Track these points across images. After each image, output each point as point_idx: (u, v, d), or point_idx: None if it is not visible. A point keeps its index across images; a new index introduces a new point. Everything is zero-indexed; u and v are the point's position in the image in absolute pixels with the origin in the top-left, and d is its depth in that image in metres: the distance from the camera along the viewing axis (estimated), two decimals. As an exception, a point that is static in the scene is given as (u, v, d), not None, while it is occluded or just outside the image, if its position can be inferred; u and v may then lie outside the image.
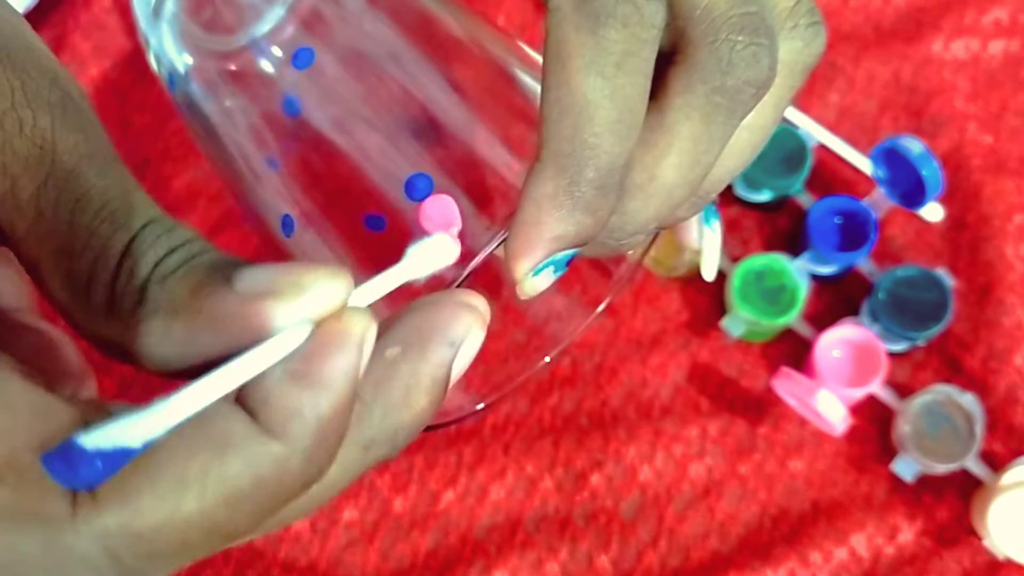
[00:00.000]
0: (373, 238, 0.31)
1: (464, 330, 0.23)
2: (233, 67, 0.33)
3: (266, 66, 0.32)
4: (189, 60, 0.33)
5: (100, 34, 0.60)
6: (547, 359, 0.38)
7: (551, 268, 0.26)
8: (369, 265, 0.30)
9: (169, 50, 0.33)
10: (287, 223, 0.31)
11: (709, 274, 0.34)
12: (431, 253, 0.24)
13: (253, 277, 0.21)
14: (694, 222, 0.32)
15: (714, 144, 0.26)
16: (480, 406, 0.36)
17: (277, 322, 0.20)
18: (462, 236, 0.27)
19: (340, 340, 0.21)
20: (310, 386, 0.20)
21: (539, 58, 0.33)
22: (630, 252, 0.36)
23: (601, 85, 0.24)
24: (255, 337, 0.20)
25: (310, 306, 0.21)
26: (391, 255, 0.30)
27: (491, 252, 0.28)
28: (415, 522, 0.51)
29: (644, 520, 0.51)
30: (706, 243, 0.33)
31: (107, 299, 0.22)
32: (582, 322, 0.38)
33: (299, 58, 0.31)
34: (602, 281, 0.38)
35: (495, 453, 0.52)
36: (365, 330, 0.21)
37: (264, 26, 0.32)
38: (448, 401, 0.37)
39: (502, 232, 0.28)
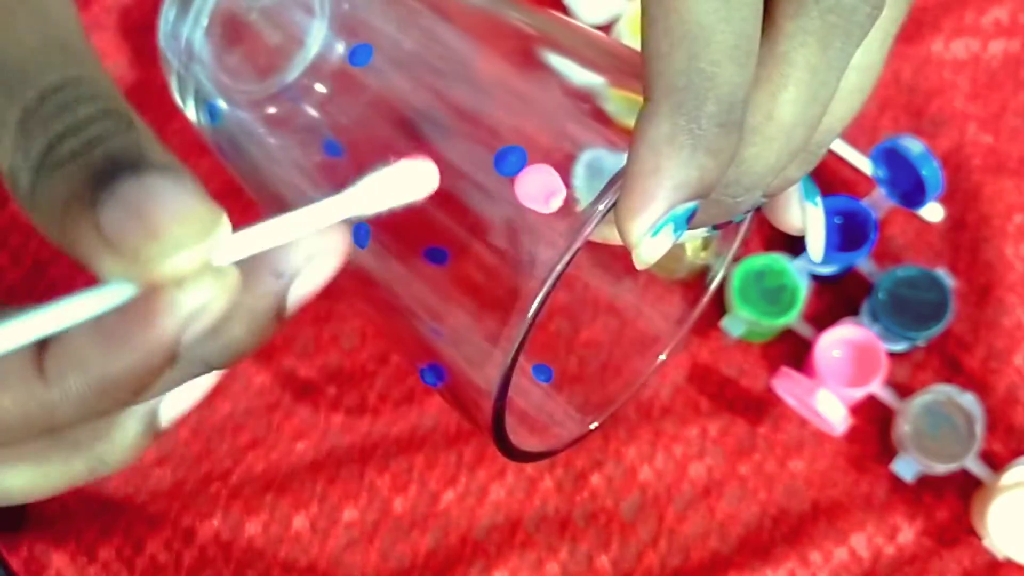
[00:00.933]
0: (436, 273, 0.29)
1: (300, 260, 0.21)
2: (272, 110, 0.31)
3: (308, 109, 0.31)
4: (224, 105, 0.32)
5: (100, 34, 0.60)
6: (663, 357, 0.36)
7: (670, 226, 0.23)
8: (430, 305, 0.29)
9: (206, 93, 0.32)
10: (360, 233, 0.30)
11: (817, 253, 0.32)
12: (398, 181, 0.21)
13: (118, 211, 0.19)
14: (795, 201, 0.31)
15: (832, 74, 0.24)
16: (593, 425, 0.35)
17: (112, 276, 0.19)
18: (561, 212, 0.25)
19: (160, 311, 0.19)
20: (108, 345, 0.19)
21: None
22: (715, 262, 0.36)
23: (715, 7, 0.22)
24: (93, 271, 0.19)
25: (151, 270, 0.19)
26: (458, 288, 0.29)
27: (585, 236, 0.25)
28: (415, 522, 0.51)
29: (644, 520, 0.51)
30: (810, 220, 0.31)
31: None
32: (663, 324, 0.37)
33: (356, 55, 0.30)
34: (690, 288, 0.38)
35: (495, 453, 0.52)
36: (198, 305, 0.19)
37: (299, 66, 0.31)
38: (557, 424, 0.35)
39: (613, 190, 0.25)
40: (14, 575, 0.50)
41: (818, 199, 0.31)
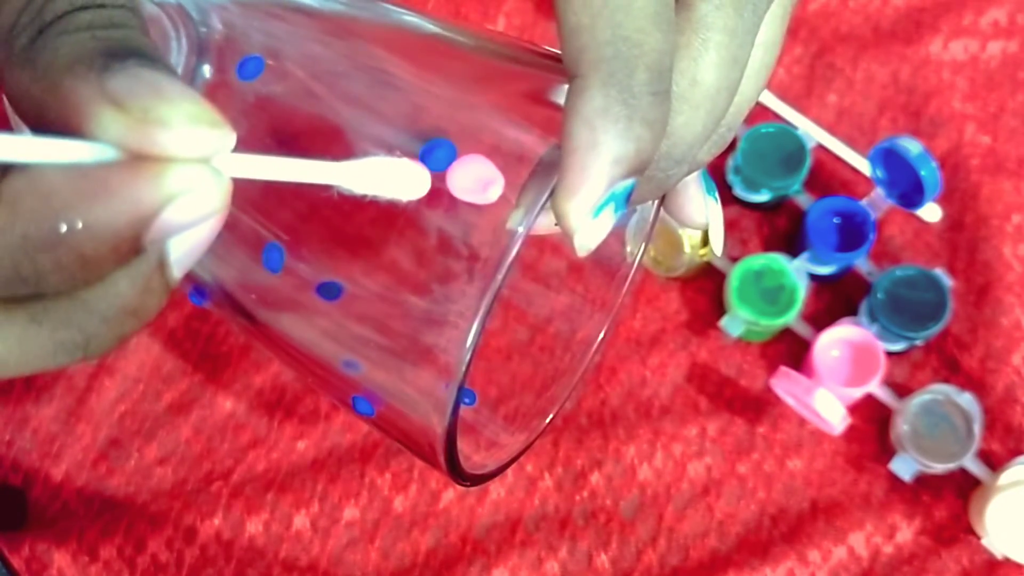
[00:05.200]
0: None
1: (152, 194, 0.19)
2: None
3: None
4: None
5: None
6: (601, 340, 0.35)
7: (611, 207, 0.22)
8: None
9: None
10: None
11: (719, 247, 0.32)
12: (393, 174, 0.21)
13: (129, 79, 0.19)
14: (698, 194, 0.30)
15: (748, 37, 0.24)
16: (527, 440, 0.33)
17: (105, 133, 0.19)
18: (495, 211, 0.23)
19: (149, 175, 0.19)
20: (82, 185, 0.19)
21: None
22: (630, 251, 0.35)
23: None
24: (78, 134, 0.19)
25: (155, 132, 0.18)
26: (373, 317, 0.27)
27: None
28: (415, 521, 0.51)
29: (643, 519, 0.51)
30: (711, 215, 0.30)
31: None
32: (589, 322, 0.36)
33: (246, 68, 0.27)
34: (605, 280, 0.37)
35: (495, 452, 0.52)
36: (186, 186, 0.19)
37: None
38: (492, 441, 0.34)
39: (544, 175, 0.23)
40: (16, 574, 0.50)
41: (716, 195, 0.30)
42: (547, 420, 0.34)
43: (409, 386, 0.27)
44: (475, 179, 0.24)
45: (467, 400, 0.33)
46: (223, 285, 0.29)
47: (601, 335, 0.36)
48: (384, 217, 0.25)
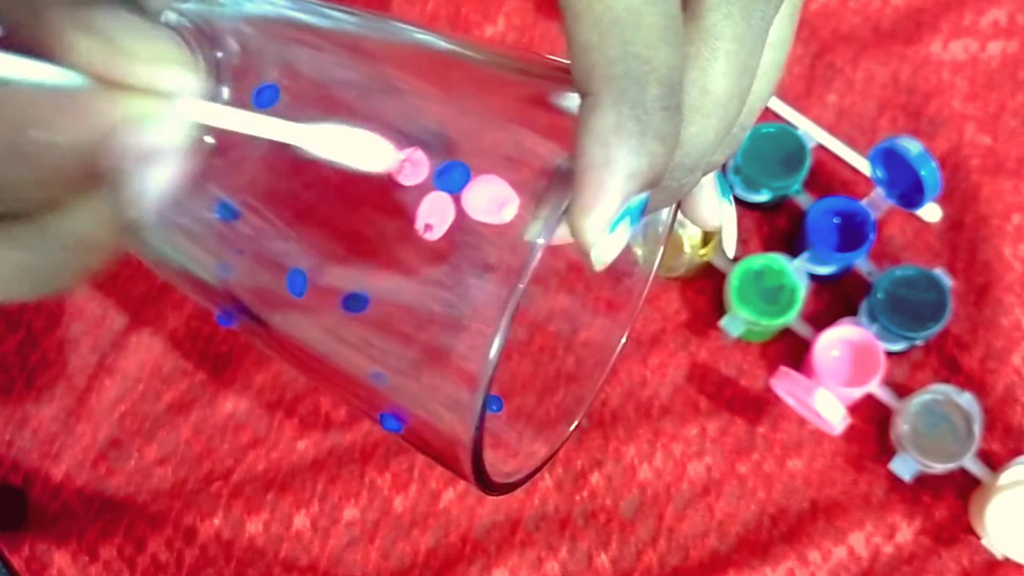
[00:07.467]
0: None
1: None
2: None
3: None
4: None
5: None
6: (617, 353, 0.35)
7: (626, 220, 0.23)
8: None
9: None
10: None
11: (731, 248, 0.32)
12: (354, 144, 0.22)
13: (110, 18, 0.20)
14: (714, 196, 0.30)
15: (757, 43, 0.24)
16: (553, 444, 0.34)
17: (77, 59, 0.20)
18: (514, 224, 0.24)
19: (111, 102, 0.20)
20: (41, 104, 0.20)
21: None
22: (641, 259, 0.35)
23: None
24: (51, 57, 0.20)
25: (119, 66, 0.20)
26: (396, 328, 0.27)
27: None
28: (416, 521, 0.51)
29: (643, 519, 0.51)
30: (725, 217, 0.30)
31: None
32: (591, 323, 0.36)
33: (262, 96, 0.28)
34: (606, 281, 0.37)
35: (495, 452, 0.52)
36: (143, 112, 0.20)
37: None
38: (514, 448, 0.34)
39: (558, 190, 0.24)
40: (16, 574, 0.50)
41: (731, 196, 0.31)
42: (572, 427, 0.35)
43: (433, 397, 0.27)
44: (490, 199, 0.24)
45: (494, 407, 0.34)
46: (248, 307, 0.29)
47: (623, 341, 0.36)
48: (401, 227, 0.25)
